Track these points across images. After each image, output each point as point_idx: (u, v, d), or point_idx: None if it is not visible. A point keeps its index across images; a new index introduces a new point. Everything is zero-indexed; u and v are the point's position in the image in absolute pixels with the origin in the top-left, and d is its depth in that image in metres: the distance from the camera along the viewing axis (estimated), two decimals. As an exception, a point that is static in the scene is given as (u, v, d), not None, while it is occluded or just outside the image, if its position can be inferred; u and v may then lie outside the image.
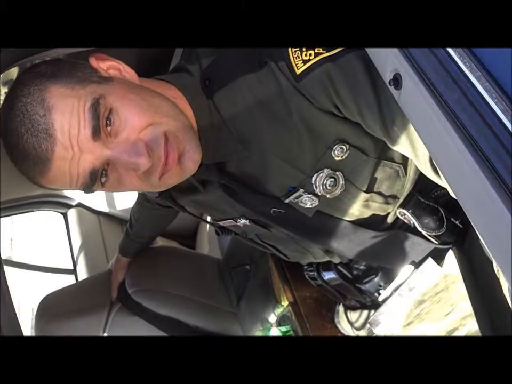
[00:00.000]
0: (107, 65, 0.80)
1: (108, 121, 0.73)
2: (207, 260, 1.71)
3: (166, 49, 1.10)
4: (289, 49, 0.77)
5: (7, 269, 2.17)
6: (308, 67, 0.76)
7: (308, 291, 1.35)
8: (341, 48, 0.76)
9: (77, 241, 2.17)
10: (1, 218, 2.22)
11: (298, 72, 0.76)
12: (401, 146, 0.78)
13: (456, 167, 0.56)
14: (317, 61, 0.75)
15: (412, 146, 0.77)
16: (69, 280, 2.15)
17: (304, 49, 0.76)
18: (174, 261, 1.63)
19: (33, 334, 1.77)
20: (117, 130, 0.74)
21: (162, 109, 0.78)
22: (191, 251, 1.95)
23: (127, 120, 0.74)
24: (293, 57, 0.76)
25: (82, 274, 2.06)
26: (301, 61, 0.76)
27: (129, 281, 1.54)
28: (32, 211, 2.19)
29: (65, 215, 2.25)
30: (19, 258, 2.55)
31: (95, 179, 0.76)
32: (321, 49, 0.76)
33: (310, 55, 0.76)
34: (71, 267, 2.19)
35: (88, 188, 0.77)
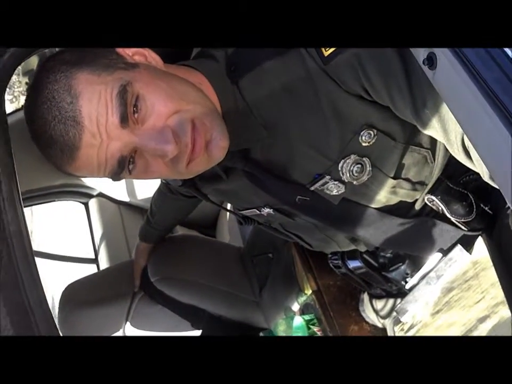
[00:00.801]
0: (132, 51, 0.79)
1: (135, 108, 0.72)
2: (229, 249, 1.71)
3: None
4: None
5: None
6: (336, 49, 0.74)
7: (331, 279, 1.35)
8: None
9: (98, 230, 2.19)
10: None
11: (326, 54, 0.75)
12: (433, 130, 0.76)
13: (496, 150, 0.54)
14: None
15: (443, 130, 0.75)
16: (91, 269, 2.17)
17: None
18: (196, 250, 1.63)
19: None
20: (144, 117, 0.74)
21: (189, 95, 0.77)
22: (213, 239, 1.95)
23: (154, 107, 0.74)
24: None
25: (104, 263, 2.08)
26: None
27: (151, 269, 1.54)
28: (54, 201, 2.20)
29: (86, 205, 2.27)
30: (40, 248, 2.57)
31: (123, 166, 0.75)
32: (350, 30, 0.74)
33: None
34: (93, 256, 2.21)
35: (116, 175, 0.77)
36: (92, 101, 0.71)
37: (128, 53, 0.79)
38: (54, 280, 2.23)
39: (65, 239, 2.40)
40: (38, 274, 0.71)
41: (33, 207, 2.32)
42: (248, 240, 1.65)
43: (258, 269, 1.57)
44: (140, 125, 0.74)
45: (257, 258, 1.57)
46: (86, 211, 2.27)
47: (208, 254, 1.63)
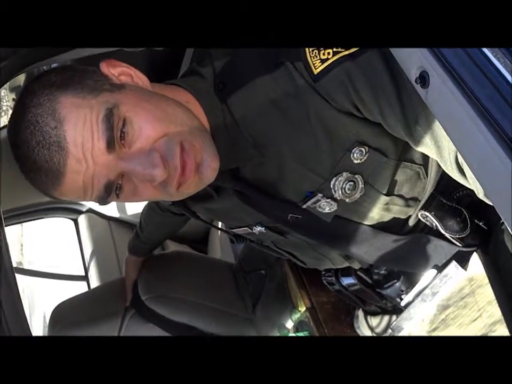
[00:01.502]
0: (118, 71, 0.77)
1: (122, 133, 0.71)
2: (221, 265, 1.69)
3: (175, 52, 1.07)
4: (306, 48, 0.74)
5: (19, 276, 2.17)
6: (326, 66, 0.73)
7: (325, 296, 1.33)
8: None
9: (88, 247, 2.16)
10: (12, 226, 2.21)
11: (316, 71, 0.73)
12: (425, 147, 0.75)
13: (490, 168, 0.53)
14: (336, 59, 0.73)
15: (436, 147, 0.74)
16: (81, 286, 2.14)
17: (322, 48, 0.73)
18: (188, 267, 1.61)
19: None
20: (131, 141, 0.72)
21: (177, 117, 0.75)
22: (205, 256, 1.93)
23: (141, 130, 0.72)
24: (310, 56, 0.74)
25: (94, 280, 2.05)
26: (319, 60, 0.73)
27: (142, 288, 1.52)
28: (42, 218, 2.17)
29: (75, 221, 2.24)
30: (31, 266, 2.54)
31: (110, 191, 0.74)
32: (339, 47, 0.73)
33: (328, 53, 0.73)
34: (83, 274, 2.18)
35: (103, 199, 0.75)
36: (77, 125, 0.69)
37: (114, 73, 0.77)
38: (45, 299, 2.20)
39: (55, 256, 2.38)
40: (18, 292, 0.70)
41: (24, 223, 2.30)
42: (240, 256, 1.63)
43: (251, 285, 1.55)
44: (127, 149, 0.72)
45: (250, 275, 1.55)
46: (76, 227, 2.24)
47: (200, 271, 1.61)
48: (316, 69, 0.74)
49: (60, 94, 0.71)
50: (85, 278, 2.17)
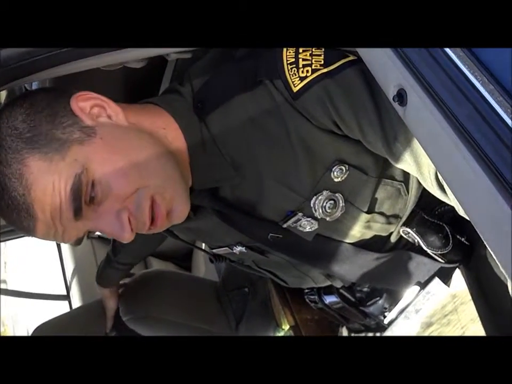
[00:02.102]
0: (91, 104, 0.75)
1: (90, 197, 0.71)
2: (204, 284, 1.66)
3: (153, 69, 1.06)
4: (285, 66, 0.73)
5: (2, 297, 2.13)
6: (305, 84, 0.72)
7: (309, 313, 1.31)
8: (339, 63, 0.73)
9: (70, 266, 2.13)
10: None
11: (295, 89, 0.73)
12: (405, 164, 0.75)
13: (468, 186, 0.53)
14: (315, 77, 0.72)
15: (416, 164, 0.73)
16: (63, 305, 2.11)
17: (300, 65, 0.73)
18: (170, 286, 1.58)
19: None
20: (100, 200, 0.72)
21: (149, 167, 0.74)
22: (187, 274, 1.91)
23: (110, 190, 0.71)
24: (289, 74, 0.73)
25: (76, 300, 2.02)
26: (298, 78, 0.73)
27: (123, 308, 1.49)
28: (24, 236, 2.13)
29: (57, 240, 2.20)
30: (13, 285, 2.49)
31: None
32: (318, 65, 0.73)
33: (307, 71, 0.73)
34: (65, 293, 2.14)
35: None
36: (45, 194, 0.69)
37: (86, 107, 0.74)
38: (28, 317, 2.16)
39: (37, 275, 2.34)
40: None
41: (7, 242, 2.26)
42: (223, 274, 1.61)
43: (234, 303, 1.53)
44: (96, 206, 0.72)
45: (233, 293, 1.53)
46: (57, 246, 2.21)
47: (182, 290, 1.58)
48: (295, 86, 0.73)
49: (27, 155, 0.69)
50: (67, 297, 2.14)
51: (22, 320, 2.24)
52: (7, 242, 2.38)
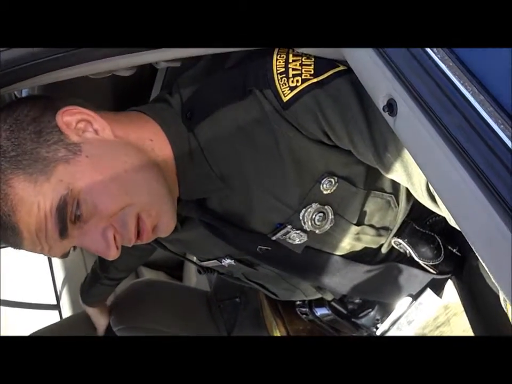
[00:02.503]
0: (77, 119, 0.73)
1: (75, 216, 0.70)
2: (195, 293, 1.65)
3: (142, 78, 1.05)
4: (275, 75, 0.73)
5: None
6: (295, 94, 0.72)
7: (301, 324, 1.30)
8: (329, 73, 0.73)
9: (60, 275, 2.11)
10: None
11: (285, 99, 0.72)
12: (395, 174, 0.75)
13: (459, 196, 0.53)
14: (305, 87, 0.72)
15: (406, 174, 0.73)
16: (53, 315, 2.09)
17: (290, 75, 0.72)
18: (161, 296, 1.56)
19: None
20: (85, 218, 0.71)
21: (135, 185, 0.73)
22: (178, 284, 1.90)
23: (96, 209, 0.71)
24: (279, 84, 0.73)
25: (66, 309, 2.00)
26: (288, 88, 0.72)
27: (114, 318, 1.47)
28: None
29: (47, 249, 2.19)
30: (2, 294, 2.47)
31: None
32: (308, 74, 0.72)
33: (297, 81, 0.72)
34: (55, 302, 2.12)
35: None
36: (30, 215, 0.69)
37: (72, 122, 0.73)
38: (15, 328, 2.14)
39: (27, 284, 2.32)
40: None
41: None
42: (214, 284, 1.60)
43: (226, 313, 1.52)
44: (82, 224, 0.72)
45: (224, 303, 1.52)
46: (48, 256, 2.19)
47: (173, 300, 1.57)
48: (285, 96, 0.72)
49: (11, 175, 0.69)
50: (57, 307, 2.12)
51: (12, 330, 2.22)
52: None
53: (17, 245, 0.72)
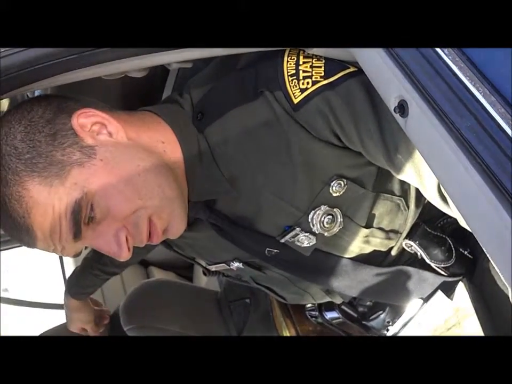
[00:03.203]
0: (92, 121, 0.74)
1: (89, 219, 0.72)
2: (206, 294, 1.65)
3: (153, 79, 1.06)
4: (286, 77, 0.73)
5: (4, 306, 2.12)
6: (306, 96, 0.72)
7: (311, 325, 1.30)
8: (340, 75, 0.73)
9: (71, 275, 2.12)
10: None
11: (296, 101, 0.73)
12: (406, 175, 0.74)
13: (470, 197, 0.53)
14: (316, 89, 0.72)
15: (417, 175, 0.73)
16: (63, 315, 2.10)
17: (301, 77, 0.73)
18: (171, 296, 1.57)
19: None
20: (99, 220, 0.72)
21: (148, 188, 0.74)
22: (189, 284, 1.90)
23: (109, 211, 0.72)
24: (290, 85, 0.73)
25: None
26: (298, 90, 0.72)
27: (124, 317, 1.48)
28: (20, 246, 2.13)
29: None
30: (14, 294, 2.48)
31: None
32: (318, 76, 0.73)
33: (308, 83, 0.72)
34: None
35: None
36: (45, 218, 0.70)
37: (87, 124, 0.73)
38: (27, 328, 2.15)
39: (38, 283, 2.33)
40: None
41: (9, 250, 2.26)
42: (224, 284, 1.60)
43: (236, 314, 1.52)
44: (95, 225, 0.73)
45: (235, 304, 1.52)
46: (60, 256, 2.20)
47: (183, 300, 1.57)
48: (295, 98, 0.73)
49: (26, 178, 0.70)
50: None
51: (22, 329, 2.23)
52: (9, 251, 2.38)
53: (31, 245, 0.73)
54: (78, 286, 1.43)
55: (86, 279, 1.42)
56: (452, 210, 0.74)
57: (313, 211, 0.81)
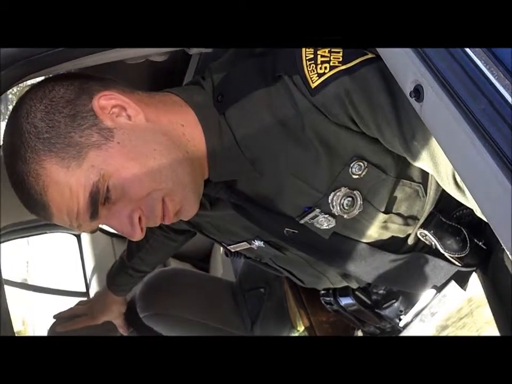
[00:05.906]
0: (112, 104, 0.75)
1: (105, 199, 0.73)
2: (221, 283, 1.67)
3: (177, 63, 1.07)
4: (304, 62, 0.74)
5: (23, 292, 2.16)
6: (323, 80, 0.73)
7: (324, 315, 1.31)
8: (358, 61, 0.73)
9: (90, 263, 2.15)
10: (16, 239, 2.21)
11: (313, 85, 0.74)
12: (422, 162, 0.75)
13: (485, 184, 0.53)
14: (333, 74, 0.73)
15: (433, 162, 0.73)
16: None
17: (319, 62, 0.73)
18: (187, 285, 1.59)
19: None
20: (114, 200, 0.75)
21: (162, 172, 0.76)
22: (205, 274, 1.92)
23: (124, 193, 0.74)
24: (308, 70, 0.74)
25: (95, 296, 2.03)
26: (316, 75, 0.73)
27: (141, 304, 1.50)
28: (46, 233, 2.17)
29: (78, 237, 2.23)
30: (34, 281, 2.52)
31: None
32: (336, 62, 0.73)
33: (325, 68, 0.73)
34: (84, 290, 2.16)
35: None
36: (62, 197, 0.72)
37: (107, 106, 0.75)
38: (45, 315, 2.19)
39: (57, 271, 2.37)
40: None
41: (30, 238, 2.30)
42: (240, 274, 1.62)
43: (250, 304, 1.53)
44: (111, 205, 0.75)
45: (249, 293, 1.53)
46: (78, 243, 2.24)
47: (199, 289, 1.59)
48: (313, 83, 0.74)
49: (44, 157, 0.72)
50: (86, 294, 2.16)
51: (44, 318, 2.27)
52: (30, 240, 2.42)
53: (47, 219, 0.75)
54: (114, 283, 1.46)
55: (120, 277, 1.45)
56: (467, 199, 0.74)
57: (333, 192, 0.81)
